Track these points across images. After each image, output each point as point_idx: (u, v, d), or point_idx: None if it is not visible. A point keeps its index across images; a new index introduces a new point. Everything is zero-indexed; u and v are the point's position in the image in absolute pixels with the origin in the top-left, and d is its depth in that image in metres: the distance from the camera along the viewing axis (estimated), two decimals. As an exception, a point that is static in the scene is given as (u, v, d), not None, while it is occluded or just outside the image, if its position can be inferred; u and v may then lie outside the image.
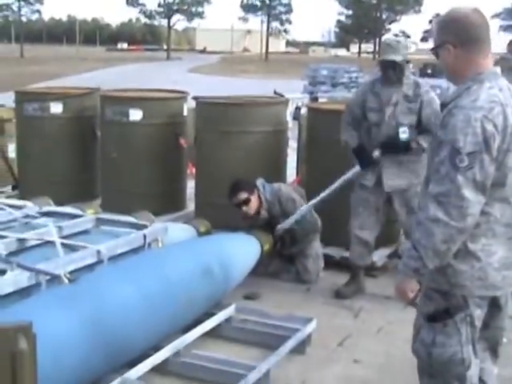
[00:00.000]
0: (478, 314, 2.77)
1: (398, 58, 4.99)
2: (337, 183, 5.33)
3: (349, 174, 5.30)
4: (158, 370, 3.95)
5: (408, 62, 5.11)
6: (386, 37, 5.94)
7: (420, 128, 5.06)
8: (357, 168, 5.25)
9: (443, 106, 2.77)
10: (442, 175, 2.57)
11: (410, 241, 2.71)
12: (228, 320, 4.61)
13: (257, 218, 5.49)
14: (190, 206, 7.05)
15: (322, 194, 5.40)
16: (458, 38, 2.71)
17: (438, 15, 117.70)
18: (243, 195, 5.42)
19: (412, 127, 5.06)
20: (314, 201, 5.46)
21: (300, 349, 4.35)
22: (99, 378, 3.51)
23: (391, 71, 5.06)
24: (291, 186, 6.11)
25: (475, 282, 2.71)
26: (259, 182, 5.54)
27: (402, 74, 5.06)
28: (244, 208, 5.44)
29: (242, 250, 4.92)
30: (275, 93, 6.70)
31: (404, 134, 5.02)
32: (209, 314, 4.50)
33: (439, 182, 2.58)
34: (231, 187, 5.47)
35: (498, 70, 2.80)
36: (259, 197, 5.47)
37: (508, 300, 2.90)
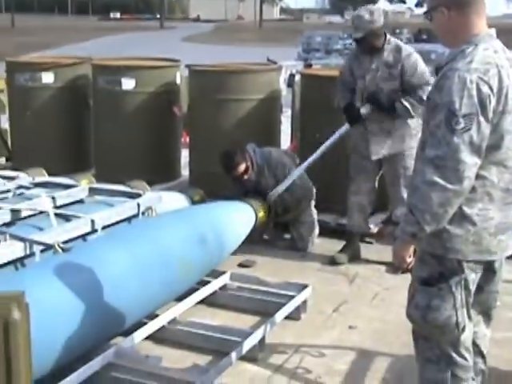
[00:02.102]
0: (473, 277, 2.77)
1: (357, 35, 5.04)
2: (327, 143, 5.33)
3: (338, 133, 5.30)
4: (153, 338, 3.97)
5: (383, 27, 5.05)
6: (355, 12, 5.96)
7: (404, 92, 5.06)
8: (346, 126, 5.26)
9: (438, 69, 2.74)
10: (438, 138, 2.55)
11: (407, 205, 2.70)
12: (223, 288, 4.62)
13: (247, 181, 5.48)
14: (185, 174, 7.03)
15: (313, 156, 5.39)
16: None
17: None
18: (242, 166, 5.39)
19: (395, 92, 5.06)
20: (305, 163, 5.44)
21: (295, 315, 4.36)
22: (94, 347, 3.52)
23: (361, 45, 5.12)
24: (282, 150, 6.09)
25: (470, 247, 2.70)
26: (250, 146, 5.52)
27: (376, 42, 5.04)
28: (246, 177, 5.42)
29: (237, 218, 4.92)
30: (268, 60, 6.66)
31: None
32: (204, 282, 4.51)
33: (435, 145, 2.56)
34: (226, 160, 5.41)
35: (493, 31, 2.76)
36: (251, 160, 5.45)
37: (502, 264, 2.90)
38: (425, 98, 4.83)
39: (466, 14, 2.66)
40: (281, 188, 5.40)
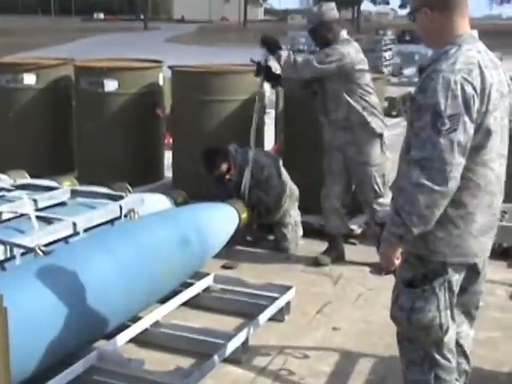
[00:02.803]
0: (456, 279, 2.77)
1: (307, 26, 5.27)
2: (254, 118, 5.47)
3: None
4: (136, 341, 3.95)
5: (334, 21, 5.17)
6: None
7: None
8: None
9: (421, 70, 2.74)
10: (424, 140, 2.55)
11: (393, 207, 2.69)
12: (206, 290, 4.61)
13: (229, 181, 5.47)
14: (168, 176, 7.01)
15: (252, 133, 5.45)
16: (434, 0, 2.67)
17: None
18: (224, 166, 5.39)
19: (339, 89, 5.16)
20: (252, 144, 5.45)
21: (279, 317, 4.36)
22: (76, 350, 3.49)
23: (313, 37, 5.29)
24: (264, 152, 6.07)
25: (453, 249, 2.70)
26: (232, 146, 5.51)
27: (328, 34, 5.15)
28: (227, 177, 5.41)
29: (220, 220, 4.90)
30: (252, 61, 6.62)
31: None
32: (187, 284, 4.49)
33: (421, 147, 2.56)
34: (208, 160, 5.42)
35: (475, 33, 2.77)
36: (233, 160, 5.44)
37: (485, 264, 2.91)
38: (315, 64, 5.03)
39: (449, 15, 2.67)
40: (245, 180, 5.38)
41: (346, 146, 5.22)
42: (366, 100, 5.16)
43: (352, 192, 5.44)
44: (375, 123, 5.17)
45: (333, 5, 5.25)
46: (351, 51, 5.12)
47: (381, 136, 5.20)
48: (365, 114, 5.13)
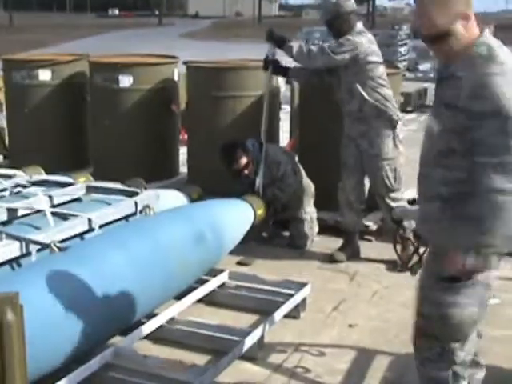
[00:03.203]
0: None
1: (323, 17, 5.31)
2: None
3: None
4: (152, 337, 3.94)
5: (351, 12, 5.16)
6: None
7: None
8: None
9: (441, 80, 2.68)
10: (495, 145, 2.49)
11: (455, 213, 2.59)
12: (222, 286, 4.59)
13: (246, 177, 5.45)
14: (183, 172, 7.00)
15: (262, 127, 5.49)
16: (467, 4, 2.59)
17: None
18: (244, 160, 5.37)
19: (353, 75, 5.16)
20: (263, 139, 5.47)
21: (295, 314, 4.34)
22: (92, 347, 3.49)
23: (330, 28, 5.25)
24: (280, 148, 6.05)
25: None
26: (249, 142, 5.48)
27: (344, 26, 5.14)
28: (245, 171, 5.40)
29: (235, 216, 4.88)
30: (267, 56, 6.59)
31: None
32: (202, 281, 4.48)
33: (493, 152, 2.49)
34: (227, 153, 5.40)
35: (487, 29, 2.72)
36: (251, 156, 5.42)
37: None
38: (313, 48, 5.10)
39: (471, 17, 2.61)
40: (260, 177, 5.36)
41: (359, 138, 5.22)
42: (378, 92, 5.15)
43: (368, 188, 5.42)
44: (390, 110, 5.16)
45: None
46: (364, 41, 5.12)
47: (394, 128, 5.17)
48: (378, 103, 5.13)
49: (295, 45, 5.16)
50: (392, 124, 5.16)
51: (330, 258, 5.36)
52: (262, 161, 5.36)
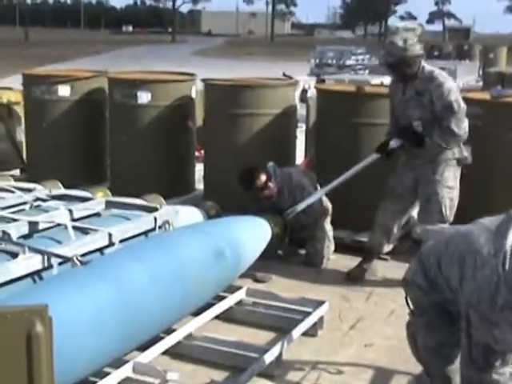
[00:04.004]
0: None
1: (388, 60, 4.95)
2: (352, 170, 5.28)
3: (364, 162, 5.25)
4: (169, 353, 3.95)
5: (417, 56, 4.92)
6: (389, 37, 5.87)
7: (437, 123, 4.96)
8: (373, 155, 5.20)
9: None
10: None
11: None
12: (239, 303, 4.60)
13: (266, 199, 5.47)
14: (199, 188, 7.03)
15: (335, 182, 5.33)
16: None
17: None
18: (263, 178, 5.37)
19: (426, 121, 4.97)
20: (326, 188, 5.42)
21: (312, 332, 4.34)
22: (111, 361, 3.51)
23: (394, 71, 5.07)
24: (302, 170, 6.07)
25: None
26: (270, 165, 5.50)
27: (408, 70, 4.93)
28: (267, 190, 5.40)
29: (253, 233, 4.90)
30: (284, 75, 6.66)
31: (418, 127, 4.99)
32: (220, 297, 4.50)
33: None
34: (247, 174, 5.40)
35: None
36: (271, 179, 5.44)
37: None
38: (454, 128, 4.83)
39: None
40: (299, 208, 5.36)
41: (423, 165, 5.09)
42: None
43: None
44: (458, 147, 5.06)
45: (416, 38, 4.93)
46: (452, 83, 5.02)
47: (458, 161, 5.08)
48: (455, 151, 5.04)
49: (435, 138, 4.94)
50: (459, 162, 5.09)
51: (346, 276, 5.36)
52: (311, 197, 5.38)
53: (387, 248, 5.47)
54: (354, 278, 5.33)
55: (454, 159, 5.05)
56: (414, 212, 5.36)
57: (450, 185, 5.09)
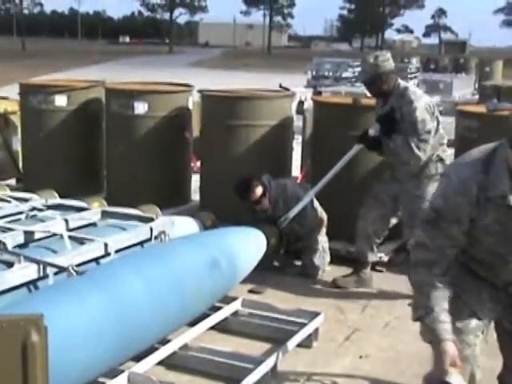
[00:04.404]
0: None
1: (362, 77, 5.31)
2: (336, 166, 5.37)
3: (348, 155, 5.35)
4: (165, 363, 3.95)
5: (390, 72, 5.07)
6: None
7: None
8: (356, 146, 5.31)
9: None
10: None
11: None
12: (234, 314, 4.60)
13: (261, 211, 5.48)
14: (195, 199, 7.04)
15: (323, 180, 5.42)
16: None
17: (440, 10, 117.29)
18: (259, 190, 5.39)
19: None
20: (315, 188, 5.47)
21: (307, 343, 4.34)
22: (106, 371, 3.50)
23: (369, 88, 5.21)
24: (296, 182, 6.09)
25: None
26: (265, 177, 5.51)
27: (383, 86, 5.07)
28: (261, 203, 5.41)
29: (248, 244, 4.91)
30: (281, 87, 6.68)
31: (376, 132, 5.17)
32: (215, 308, 4.49)
33: None
34: (243, 185, 5.41)
35: None
36: (267, 191, 5.45)
37: None
38: (414, 148, 4.91)
39: None
40: (292, 213, 5.39)
41: (407, 181, 5.17)
42: (442, 150, 5.14)
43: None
44: (442, 162, 5.13)
45: (388, 55, 5.16)
46: (426, 99, 5.10)
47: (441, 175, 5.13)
48: (438, 166, 5.11)
49: (392, 143, 5.04)
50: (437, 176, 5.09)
51: (332, 283, 5.40)
52: (298, 206, 5.39)
53: (374, 257, 5.50)
54: (338, 284, 5.38)
55: (437, 174, 5.08)
56: (394, 220, 5.42)
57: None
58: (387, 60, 5.07)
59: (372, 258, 5.49)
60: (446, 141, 5.20)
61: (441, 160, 5.12)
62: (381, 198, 5.30)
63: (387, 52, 5.23)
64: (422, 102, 5.01)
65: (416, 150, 4.95)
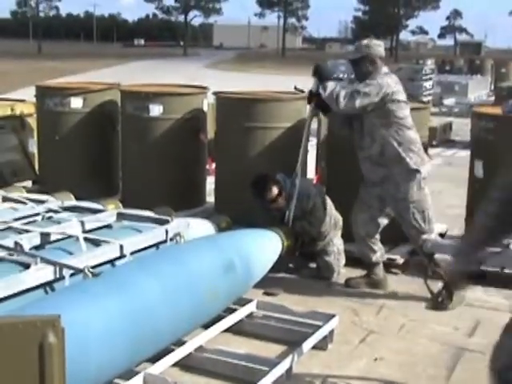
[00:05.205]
0: None
1: (354, 56, 5.35)
2: (304, 136, 5.55)
3: (306, 123, 5.58)
4: (180, 365, 3.96)
5: (379, 57, 5.25)
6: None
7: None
8: (307, 112, 5.61)
9: None
10: None
11: None
12: (249, 316, 4.60)
13: (276, 209, 5.48)
14: (210, 201, 7.04)
15: (300, 158, 5.50)
16: None
17: (456, 11, 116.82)
18: (275, 190, 5.39)
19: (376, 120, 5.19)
20: (298, 168, 5.47)
21: (322, 345, 4.33)
22: (121, 373, 3.51)
23: (356, 68, 5.34)
24: (311, 181, 6.09)
25: None
26: (280, 176, 5.51)
27: (370, 67, 5.22)
28: (277, 202, 5.41)
29: (264, 246, 4.90)
30: (295, 88, 6.66)
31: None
32: (230, 310, 4.50)
33: None
34: (259, 183, 5.42)
35: None
36: (282, 189, 5.45)
37: None
38: (341, 95, 5.06)
39: None
40: (291, 207, 5.39)
41: (383, 182, 5.24)
42: (402, 135, 5.15)
43: (388, 224, 5.45)
44: (410, 159, 5.14)
45: (382, 43, 5.41)
46: (390, 82, 5.16)
47: (417, 172, 5.17)
48: (400, 149, 5.12)
49: (330, 85, 5.13)
50: (413, 167, 5.15)
51: (344, 283, 5.47)
52: (295, 194, 5.38)
53: (378, 257, 5.48)
54: (350, 284, 5.45)
55: (411, 170, 5.14)
56: (385, 220, 5.45)
57: (414, 199, 5.20)
58: (379, 46, 5.32)
59: (377, 258, 5.47)
60: (417, 147, 5.20)
61: (401, 144, 5.14)
62: (366, 201, 5.36)
63: (382, 42, 5.47)
64: (379, 84, 5.12)
65: (341, 99, 5.06)
